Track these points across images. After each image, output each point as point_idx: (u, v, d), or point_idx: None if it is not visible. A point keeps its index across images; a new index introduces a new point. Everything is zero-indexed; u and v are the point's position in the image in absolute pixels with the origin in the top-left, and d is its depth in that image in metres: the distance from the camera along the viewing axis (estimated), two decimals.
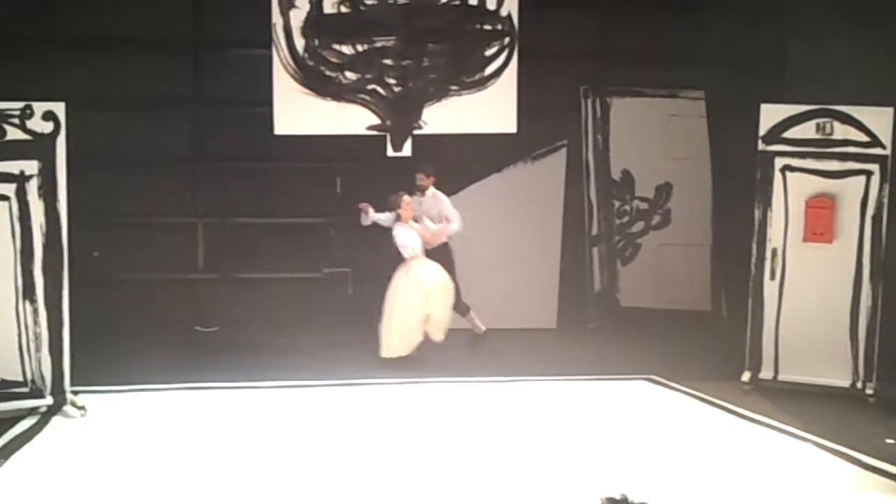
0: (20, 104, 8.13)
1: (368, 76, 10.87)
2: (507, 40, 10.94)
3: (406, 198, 10.31)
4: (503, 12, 10.90)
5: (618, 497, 4.30)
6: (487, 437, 8.06)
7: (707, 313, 11.83)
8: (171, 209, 11.41)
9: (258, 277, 11.45)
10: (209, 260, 11.59)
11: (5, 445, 7.61)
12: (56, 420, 8.27)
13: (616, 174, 11.94)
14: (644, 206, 11.95)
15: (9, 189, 8.11)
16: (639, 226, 11.97)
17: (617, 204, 11.93)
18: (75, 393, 8.51)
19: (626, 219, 11.97)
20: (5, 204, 8.12)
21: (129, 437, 7.94)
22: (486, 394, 9.29)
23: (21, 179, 8.13)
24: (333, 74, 10.84)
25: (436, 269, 10.15)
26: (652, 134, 11.81)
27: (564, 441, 7.97)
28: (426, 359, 10.09)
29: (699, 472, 7.33)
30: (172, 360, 10.04)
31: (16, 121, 8.09)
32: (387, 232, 11.12)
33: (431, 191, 10.75)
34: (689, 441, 8.06)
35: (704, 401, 9.08)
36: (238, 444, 7.80)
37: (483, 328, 10.61)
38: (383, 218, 10.54)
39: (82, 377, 8.66)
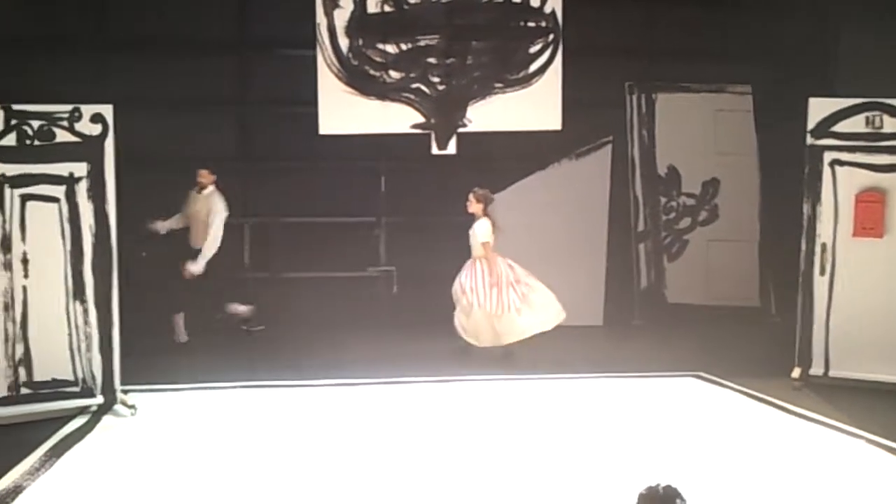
0: (69, 107, 8.22)
1: (413, 75, 10.89)
2: (551, 37, 10.91)
3: (470, 195, 10.26)
4: (547, 9, 10.88)
5: (643, 491, 4.31)
6: (534, 434, 8.03)
7: (755, 309, 11.75)
8: None
9: (304, 276, 11.51)
10: (256, 259, 11.66)
11: (57, 444, 7.69)
12: (107, 419, 8.35)
13: (662, 170, 11.88)
14: (691, 201, 11.88)
15: (58, 191, 8.20)
16: (685, 222, 11.91)
17: (663, 200, 11.88)
18: (125, 392, 8.60)
19: (672, 215, 11.90)
20: (55, 205, 8.21)
21: (179, 436, 8.00)
22: (532, 391, 9.26)
23: (70, 181, 8.22)
24: (378, 73, 10.87)
25: (474, 275, 10.12)
26: (698, 129, 11.75)
27: (612, 438, 7.93)
28: (479, 356, 10.12)
29: (749, 468, 7.26)
30: (220, 359, 10.11)
31: (65, 123, 8.18)
32: (431, 230, 11.17)
33: (210, 190, 10.44)
34: (739, 438, 7.99)
35: (754, 397, 8.99)
36: (286, 443, 7.83)
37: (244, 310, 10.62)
38: (172, 222, 10.57)
39: (132, 376, 8.74)
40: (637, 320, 11.75)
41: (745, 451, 7.67)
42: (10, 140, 8.02)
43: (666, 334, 11.08)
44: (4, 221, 8.05)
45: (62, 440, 7.79)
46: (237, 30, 11.41)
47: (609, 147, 11.80)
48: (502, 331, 10.14)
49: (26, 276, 8.13)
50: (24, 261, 8.11)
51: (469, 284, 10.12)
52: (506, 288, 10.11)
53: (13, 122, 8.02)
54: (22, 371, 8.17)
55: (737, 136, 11.74)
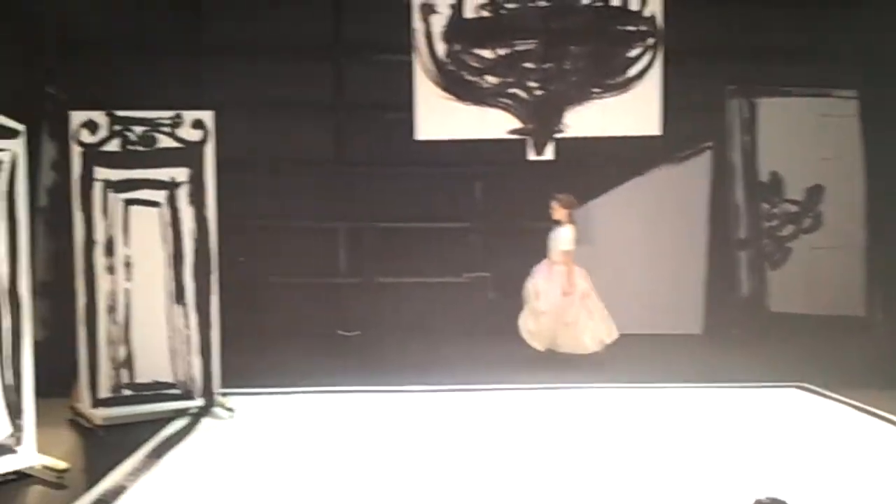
0: (171, 113, 8.35)
1: (510, 80, 10.86)
2: (650, 41, 10.77)
3: (554, 202, 10.20)
4: (646, 13, 10.75)
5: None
6: (633, 445, 7.91)
7: (862, 318, 11.44)
8: (314, 213, 11.58)
9: (399, 281, 11.53)
10: (351, 264, 11.71)
11: (158, 445, 7.79)
12: (206, 421, 8.44)
13: (764, 176, 11.66)
14: (794, 208, 11.64)
15: (160, 196, 8.33)
16: (788, 229, 11.67)
17: (765, 206, 11.65)
18: (224, 395, 8.68)
19: (775, 222, 11.67)
20: (157, 210, 8.35)
21: (276, 439, 8.05)
22: (629, 400, 9.13)
23: (172, 186, 8.34)
24: (474, 79, 10.85)
25: (551, 281, 10.05)
26: (802, 134, 11.51)
27: (715, 450, 7.77)
28: (573, 363, 10.03)
29: (858, 482, 7.05)
30: (316, 363, 10.16)
31: (167, 129, 8.31)
32: (526, 236, 11.10)
33: None
34: (846, 450, 7.76)
35: (860, 409, 8.74)
36: (381, 448, 7.83)
37: None
38: None
39: (231, 379, 8.83)
40: (737, 329, 11.53)
41: (853, 463, 7.44)
42: (114, 146, 8.18)
43: (768, 343, 10.85)
44: (108, 226, 8.20)
45: (163, 442, 7.89)
46: (333, 35, 11.48)
47: (709, 153, 11.62)
48: (563, 340, 10.06)
49: (129, 279, 8.28)
50: (127, 264, 8.26)
51: (543, 288, 10.06)
52: (578, 299, 10.03)
53: (117, 127, 8.18)
54: (124, 373, 8.31)
55: (842, 141, 11.48)
